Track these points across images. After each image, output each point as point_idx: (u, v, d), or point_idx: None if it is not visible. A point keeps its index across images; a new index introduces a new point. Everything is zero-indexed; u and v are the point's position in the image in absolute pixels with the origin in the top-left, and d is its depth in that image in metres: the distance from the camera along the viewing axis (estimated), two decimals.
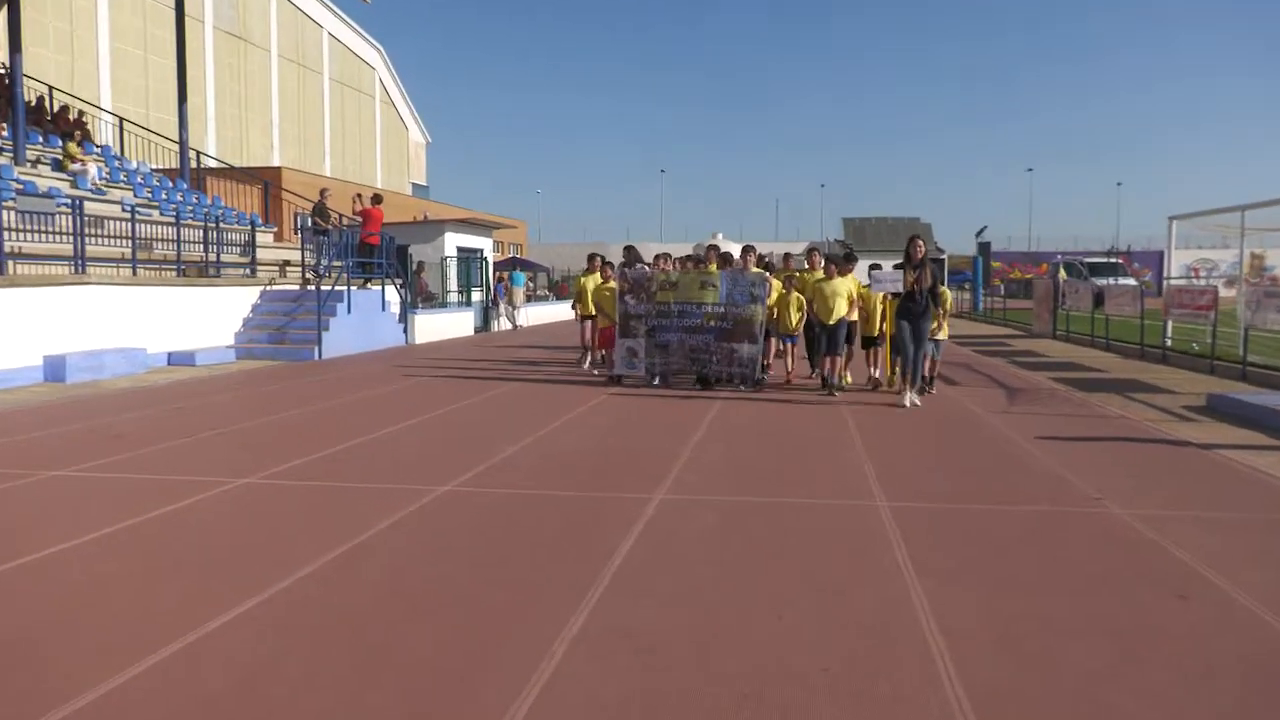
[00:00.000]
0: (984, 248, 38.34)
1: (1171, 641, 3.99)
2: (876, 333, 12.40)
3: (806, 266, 13.54)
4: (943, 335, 11.77)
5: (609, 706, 3.35)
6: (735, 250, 13.71)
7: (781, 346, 13.39)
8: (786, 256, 17.71)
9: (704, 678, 3.57)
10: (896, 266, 11.06)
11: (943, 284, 11.51)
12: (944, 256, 37.53)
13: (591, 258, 15.15)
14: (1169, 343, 16.55)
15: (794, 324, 12.77)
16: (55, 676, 3.61)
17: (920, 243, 10.82)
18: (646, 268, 13.63)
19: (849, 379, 12.63)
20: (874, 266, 12.39)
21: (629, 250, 15.07)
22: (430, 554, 5.14)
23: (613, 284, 13.56)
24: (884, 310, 12.10)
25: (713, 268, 12.65)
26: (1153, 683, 3.59)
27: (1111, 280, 33.85)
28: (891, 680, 3.57)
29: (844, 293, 11.79)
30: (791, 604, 4.32)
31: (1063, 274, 40.01)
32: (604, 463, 7.59)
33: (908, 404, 10.54)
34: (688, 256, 14.68)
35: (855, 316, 12.10)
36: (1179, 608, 4.37)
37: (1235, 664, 3.78)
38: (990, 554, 5.15)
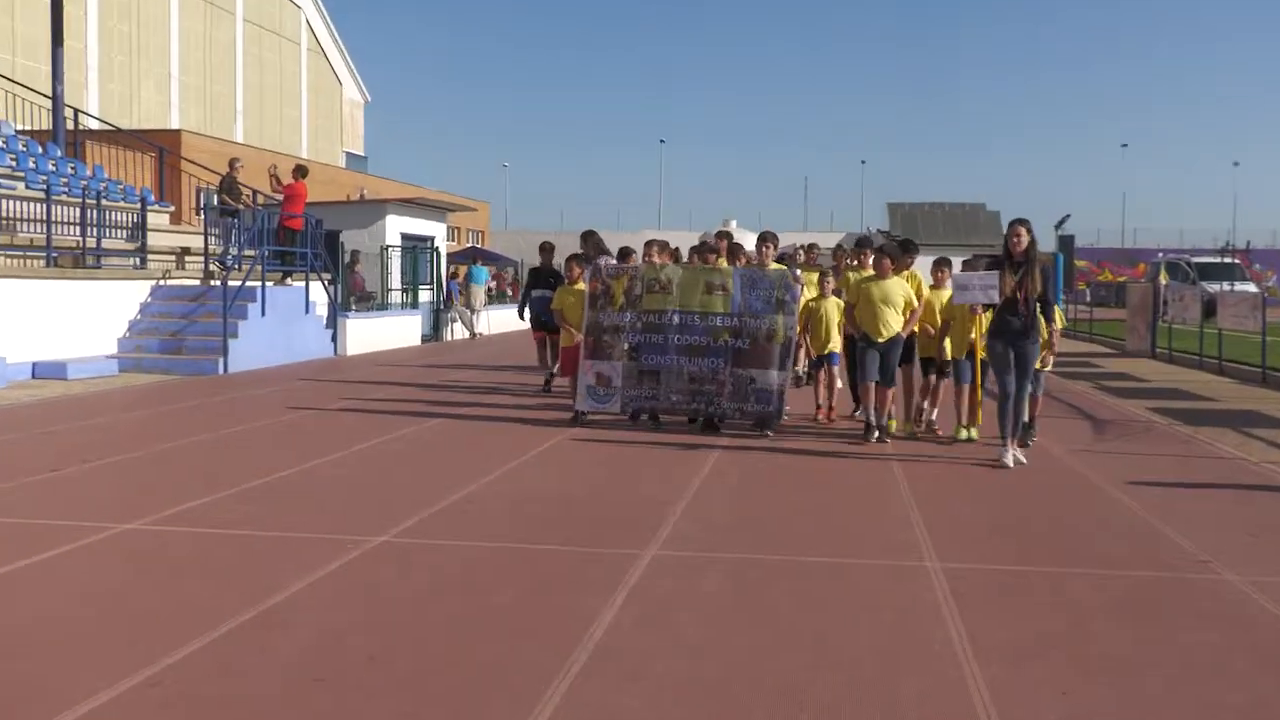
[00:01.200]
0: (1066, 242, 38.45)
1: None
2: (947, 355, 11.00)
3: (852, 264, 12.70)
4: (1048, 365, 10.75)
5: None
6: (750, 243, 13.13)
7: (812, 372, 12.66)
8: (810, 248, 16.39)
9: None
10: (991, 266, 9.80)
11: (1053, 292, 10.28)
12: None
13: (546, 249, 14.82)
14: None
15: (830, 339, 11.76)
16: None
17: (1024, 231, 9.47)
18: (608, 260, 12.66)
19: (894, 422, 11.34)
20: (966, 264, 11.41)
21: (588, 237, 14.31)
22: (360, 624, 5.11)
23: (580, 285, 12.28)
24: (962, 325, 10.53)
25: (723, 263, 11.81)
26: None
27: (1226, 285, 34.08)
28: None
29: (899, 297, 10.58)
30: (813, 694, 4.28)
31: (1164, 277, 40.23)
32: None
33: (1010, 462, 9.34)
34: (696, 248, 13.29)
35: (916, 328, 10.93)
36: None
37: None
38: (1069, 631, 5.13)
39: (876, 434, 10.64)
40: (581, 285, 12.19)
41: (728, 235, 12.95)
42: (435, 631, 5.01)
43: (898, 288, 10.66)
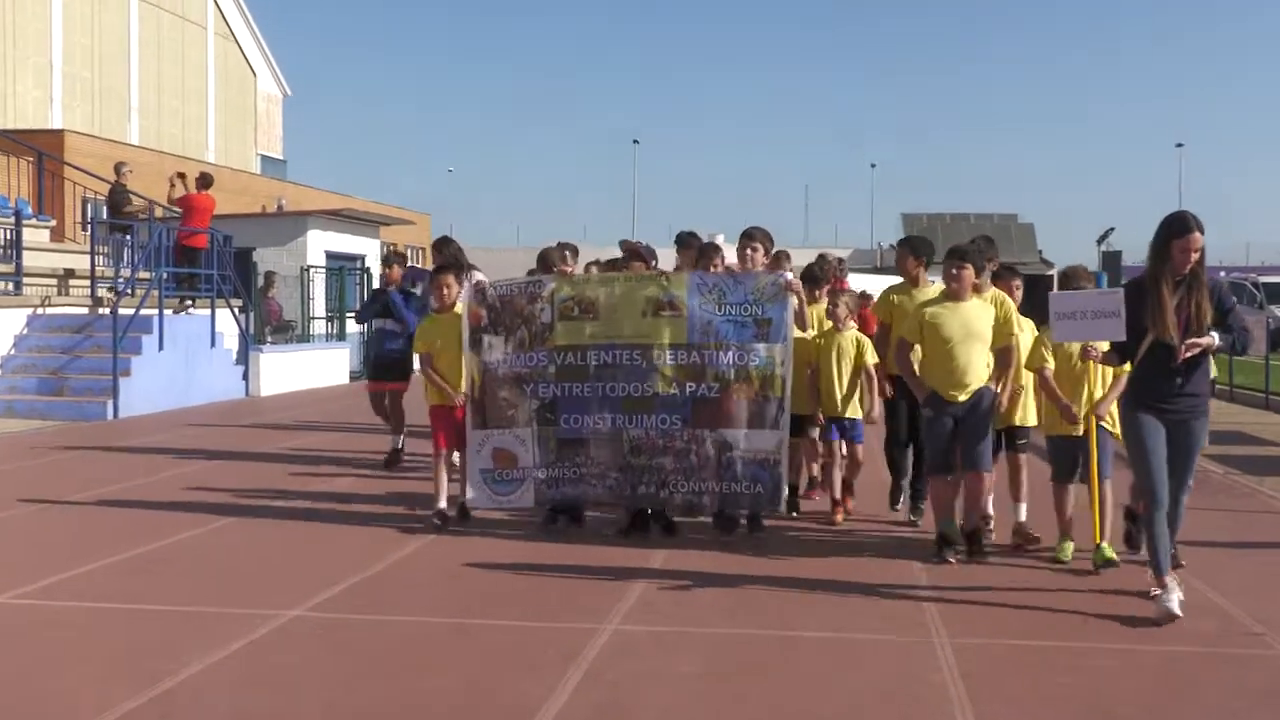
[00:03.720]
0: (1111, 259, 38.89)
1: None
2: (1033, 421, 8.69)
3: (905, 283, 9.53)
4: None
5: None
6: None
7: (819, 447, 9.97)
8: (779, 258, 10.82)
9: None
10: (1133, 284, 7.22)
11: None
12: (1052, 271, 38.43)
13: (441, 272, 9.90)
14: None
15: (844, 396, 9.38)
16: None
17: (1201, 238, 6.67)
18: (497, 280, 9.66)
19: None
20: (1065, 277, 8.87)
21: (441, 245, 12.06)
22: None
23: (455, 311, 9.40)
24: (1070, 379, 7.92)
25: (678, 276, 9.12)
26: None
27: None
28: None
29: (987, 328, 8.09)
30: None
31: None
32: None
33: (1177, 607, 6.45)
34: (618, 259, 10.61)
35: (1021, 387, 8.51)
36: None
37: None
38: (1097, 715, 5.20)
39: (957, 550, 8.06)
40: (457, 312, 9.30)
41: (693, 236, 10.38)
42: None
43: (983, 315, 8.13)
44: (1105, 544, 7.73)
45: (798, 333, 9.10)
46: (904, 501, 9.64)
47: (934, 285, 8.88)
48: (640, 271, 9.45)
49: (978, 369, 7.98)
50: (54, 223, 24.47)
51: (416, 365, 11.22)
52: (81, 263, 21.74)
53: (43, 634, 6.43)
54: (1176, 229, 6.66)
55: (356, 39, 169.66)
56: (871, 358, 9.35)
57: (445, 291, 9.42)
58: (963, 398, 7.96)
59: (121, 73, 44.84)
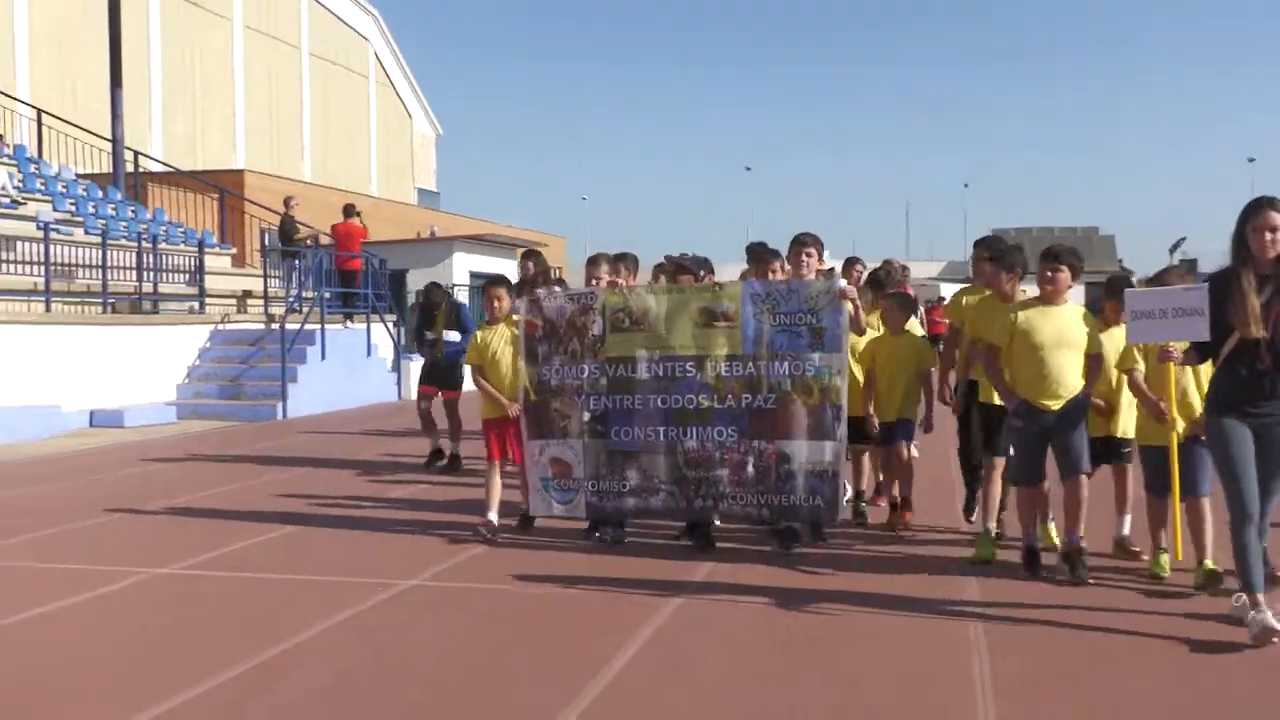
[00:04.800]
0: (1185, 265, 38.11)
1: None
2: (1121, 433, 7.51)
3: (979, 284, 8.49)
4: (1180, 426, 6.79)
5: None
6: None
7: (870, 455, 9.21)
8: (850, 264, 10.53)
9: None
10: (1216, 277, 6.11)
11: None
12: (1133, 278, 37.30)
13: (493, 285, 9.08)
14: None
15: (899, 403, 8.52)
16: None
17: (1268, 202, 5.72)
18: (552, 290, 9.12)
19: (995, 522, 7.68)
20: (1151, 281, 7.83)
21: (528, 258, 11.50)
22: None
23: (507, 325, 8.63)
24: (1156, 381, 6.85)
25: (731, 286, 8.09)
26: None
27: None
28: None
29: (1081, 336, 7.00)
30: None
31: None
32: None
33: (1273, 622, 5.46)
34: (661, 266, 9.99)
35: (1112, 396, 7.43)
36: None
37: None
38: None
39: (1053, 570, 6.95)
40: (510, 326, 8.53)
41: (761, 248, 9.57)
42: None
43: (1077, 321, 7.02)
44: (1208, 560, 6.55)
45: (856, 337, 8.49)
46: (979, 516, 8.04)
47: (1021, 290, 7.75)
48: (691, 284, 8.41)
49: (1070, 377, 6.87)
50: (234, 250, 25.20)
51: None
52: (257, 284, 22.52)
53: (194, 598, 6.89)
54: (1250, 210, 5.71)
55: (500, 84, 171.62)
56: (930, 362, 8.59)
57: (496, 304, 8.65)
58: (1055, 407, 6.82)
59: (295, 118, 45.90)
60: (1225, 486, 5.83)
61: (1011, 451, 7.30)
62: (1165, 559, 6.86)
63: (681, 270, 8.87)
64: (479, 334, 8.80)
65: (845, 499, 8.34)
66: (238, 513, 9.42)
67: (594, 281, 8.60)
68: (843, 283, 8.10)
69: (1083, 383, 6.96)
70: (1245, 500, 5.64)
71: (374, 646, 5.70)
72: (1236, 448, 5.68)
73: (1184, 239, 35.08)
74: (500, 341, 8.51)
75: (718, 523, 8.06)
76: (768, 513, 7.73)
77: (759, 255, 9.10)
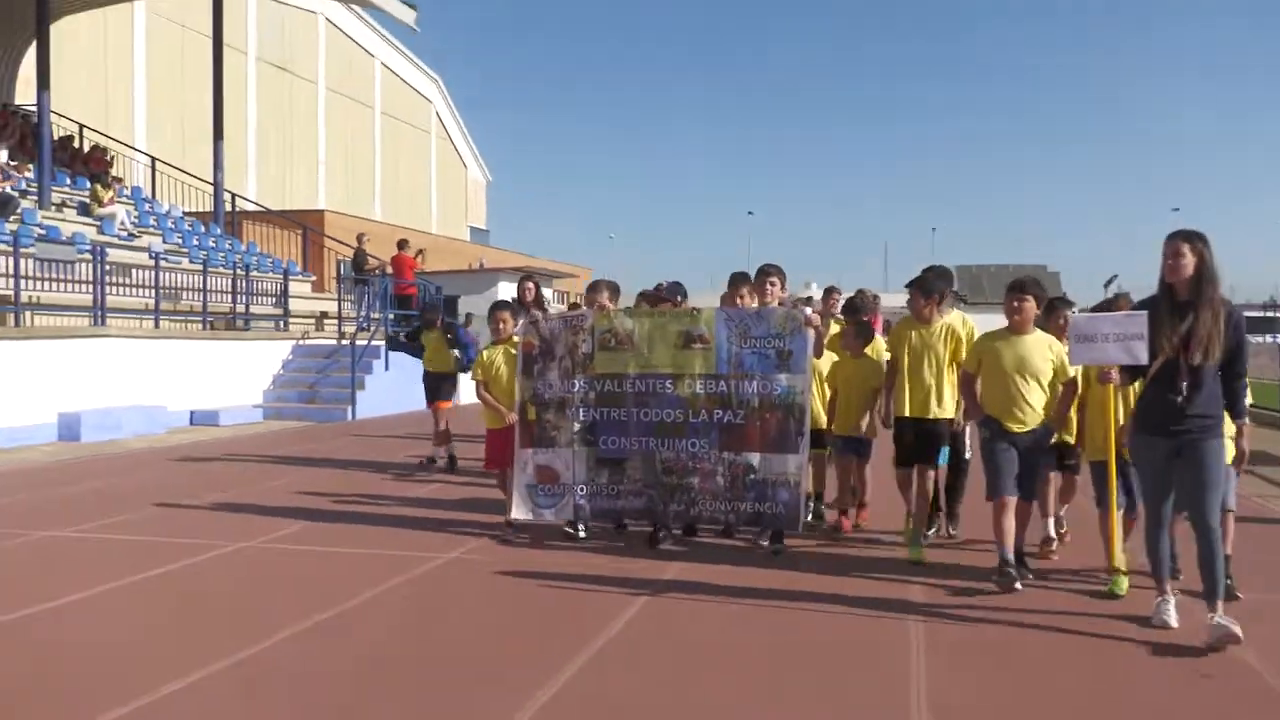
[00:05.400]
0: (1116, 300, 37.94)
1: None
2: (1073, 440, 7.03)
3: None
4: (1244, 448, 5.86)
5: None
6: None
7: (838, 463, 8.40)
8: (829, 293, 10.73)
9: None
10: (1142, 305, 5.71)
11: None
12: (1073, 310, 36.72)
13: (499, 309, 8.50)
14: None
15: (856, 420, 7.92)
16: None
17: (1187, 249, 5.32)
18: (547, 313, 9.00)
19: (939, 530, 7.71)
20: (1098, 308, 7.28)
21: (527, 280, 11.10)
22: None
23: (509, 345, 8.23)
24: (1095, 405, 6.55)
25: (706, 311, 7.74)
26: None
27: (1271, 338, 33.22)
28: None
29: (1047, 363, 6.46)
30: None
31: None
32: None
33: (1171, 619, 5.47)
34: (645, 294, 9.47)
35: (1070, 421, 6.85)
36: None
37: None
38: None
39: (1016, 575, 6.24)
40: (512, 346, 8.18)
41: (746, 276, 8.70)
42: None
43: (1042, 349, 6.48)
44: (1122, 576, 6.16)
45: (827, 357, 8.21)
46: (940, 529, 7.89)
47: (942, 319, 7.27)
48: (670, 309, 8.16)
49: (1034, 402, 6.35)
50: (314, 278, 25.35)
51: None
52: (332, 307, 22.59)
53: (270, 567, 6.98)
54: (1165, 245, 5.38)
55: (542, 137, 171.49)
56: (882, 382, 7.77)
57: (502, 325, 8.30)
58: (1019, 430, 6.34)
59: (368, 166, 46.23)
60: (1143, 498, 5.68)
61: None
62: (1124, 581, 6.17)
63: (659, 299, 8.67)
64: (485, 352, 8.38)
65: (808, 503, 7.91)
66: (293, 501, 9.48)
67: (595, 305, 8.31)
68: (808, 311, 7.83)
69: (1044, 410, 6.42)
70: (1160, 513, 5.48)
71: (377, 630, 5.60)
72: (1155, 465, 5.45)
73: (1116, 275, 34.67)
74: (502, 359, 8.15)
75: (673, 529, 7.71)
76: (734, 518, 7.44)
77: (731, 282, 8.47)
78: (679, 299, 8.35)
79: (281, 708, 4.43)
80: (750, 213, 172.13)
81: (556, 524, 7.77)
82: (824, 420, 8.16)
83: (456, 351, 12.16)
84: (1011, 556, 6.32)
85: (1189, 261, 5.28)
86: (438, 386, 12.23)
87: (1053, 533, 7.27)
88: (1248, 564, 6.52)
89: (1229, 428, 5.58)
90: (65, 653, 5.13)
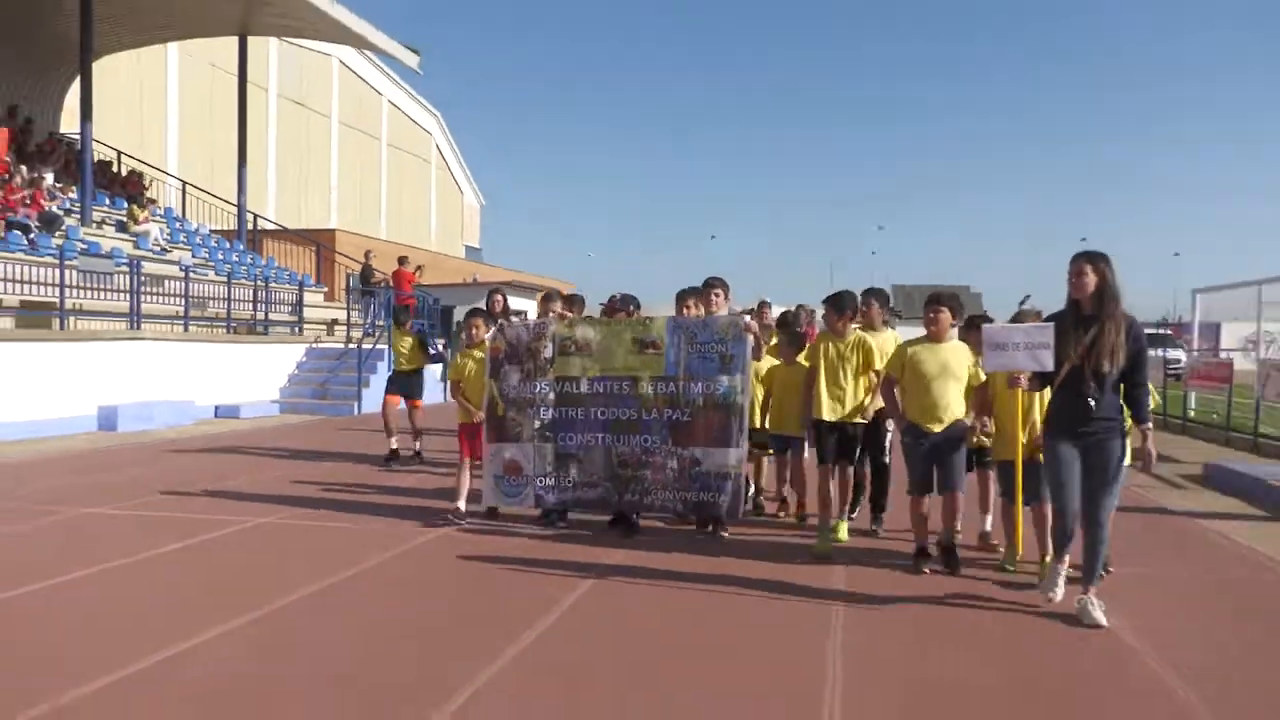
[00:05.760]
0: (1027, 315, 38.48)
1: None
2: (978, 443, 6.87)
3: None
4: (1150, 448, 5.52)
5: None
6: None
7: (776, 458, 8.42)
8: (761, 306, 10.53)
9: None
10: (1051, 319, 5.62)
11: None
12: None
13: (473, 316, 8.50)
14: (1191, 413, 16.77)
15: (790, 420, 7.61)
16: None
17: (1089, 268, 5.31)
18: (515, 320, 8.66)
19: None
20: (1018, 317, 6.75)
21: (496, 293, 10.74)
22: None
23: (479, 349, 8.07)
24: (1005, 408, 6.36)
25: (658, 320, 7.56)
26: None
27: (1162, 350, 33.67)
28: None
29: (964, 369, 6.36)
30: None
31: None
32: None
33: (1058, 593, 5.47)
34: (612, 300, 9.16)
35: (985, 422, 6.66)
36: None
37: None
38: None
39: (932, 562, 6.31)
40: (483, 350, 7.98)
41: (766, 304, 9.79)
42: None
43: (959, 355, 6.39)
44: (1049, 557, 5.82)
45: (766, 362, 8.08)
46: (858, 512, 7.78)
47: (856, 331, 7.06)
48: (624, 318, 7.99)
49: (952, 404, 6.25)
50: (326, 289, 25.40)
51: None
52: (341, 314, 22.66)
53: (284, 539, 7.15)
54: (1070, 265, 5.34)
55: (530, 167, 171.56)
56: None
57: (474, 331, 8.22)
58: (937, 429, 6.23)
59: (375, 191, 46.15)
60: (1050, 494, 5.51)
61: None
62: (1015, 557, 6.36)
63: (614, 310, 8.45)
64: (459, 356, 8.26)
65: (749, 494, 8.04)
66: (291, 489, 9.59)
67: (549, 314, 8.26)
68: (748, 319, 7.70)
69: (963, 410, 6.31)
70: (1066, 506, 5.31)
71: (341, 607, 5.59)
72: (1062, 465, 5.29)
73: (1029, 296, 34.98)
74: (473, 362, 8.03)
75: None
76: (682, 507, 7.27)
77: (679, 297, 8.22)
78: (631, 309, 8.28)
79: (287, 666, 4.59)
80: (713, 237, 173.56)
81: (524, 511, 7.69)
82: (758, 419, 8.00)
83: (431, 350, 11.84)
84: (927, 545, 6.32)
85: (1091, 279, 5.25)
86: (408, 384, 11.59)
87: (988, 528, 7.10)
88: (1124, 543, 6.81)
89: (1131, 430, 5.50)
90: (107, 609, 5.31)
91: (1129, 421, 5.43)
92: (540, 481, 7.51)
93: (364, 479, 10.03)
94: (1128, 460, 5.71)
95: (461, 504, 7.78)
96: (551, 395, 7.54)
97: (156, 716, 3.91)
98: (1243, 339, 52.34)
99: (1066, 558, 5.45)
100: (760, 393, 8.04)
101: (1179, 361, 22.71)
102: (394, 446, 11.17)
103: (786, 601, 5.62)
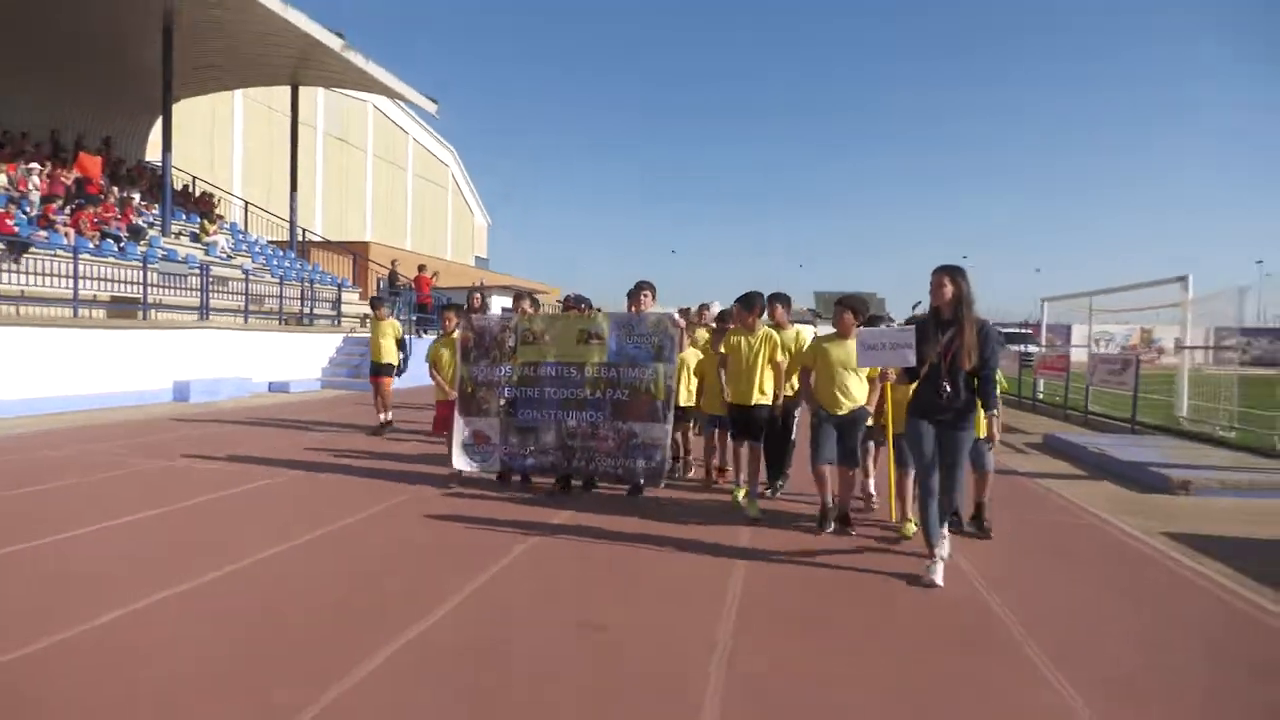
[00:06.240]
0: (916, 318, 38.78)
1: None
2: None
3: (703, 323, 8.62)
4: (995, 432, 5.36)
5: None
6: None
7: (697, 433, 8.30)
8: (703, 307, 9.51)
9: None
10: (910, 321, 5.81)
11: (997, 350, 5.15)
12: (892, 323, 37.05)
13: (446, 309, 8.56)
14: (1040, 395, 17.17)
15: (718, 402, 7.20)
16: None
17: (947, 280, 5.04)
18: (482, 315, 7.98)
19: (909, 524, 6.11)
20: (869, 319, 6.43)
21: (475, 291, 10.17)
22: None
23: (452, 337, 7.92)
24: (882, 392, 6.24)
25: (600, 315, 7.39)
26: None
27: (1022, 347, 34.27)
28: None
29: (854, 362, 5.87)
30: None
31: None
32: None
33: (938, 578, 4.93)
34: (568, 299, 8.72)
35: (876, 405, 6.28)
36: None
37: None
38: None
39: (832, 525, 6.07)
40: (454, 337, 7.82)
41: (706, 306, 9.10)
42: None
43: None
44: (909, 522, 5.95)
45: (693, 354, 7.93)
46: (771, 486, 7.36)
47: (764, 328, 6.71)
48: (575, 314, 7.62)
49: (853, 390, 6.00)
50: (360, 290, 25.29)
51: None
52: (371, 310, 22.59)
53: (316, 488, 7.21)
54: (932, 277, 5.05)
55: (533, 192, 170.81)
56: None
57: (447, 323, 8.19)
58: (840, 412, 5.99)
59: (401, 210, 45.87)
60: (915, 472, 5.26)
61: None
62: (910, 527, 5.94)
63: (570, 306, 8.31)
64: (435, 344, 8.06)
65: (677, 460, 7.85)
66: (330, 458, 9.44)
67: (517, 310, 7.82)
68: (675, 314, 7.47)
69: (864, 396, 6.05)
70: (928, 483, 5.01)
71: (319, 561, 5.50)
72: (923, 444, 5.03)
73: (920, 302, 35.05)
74: (447, 349, 7.84)
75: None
76: (621, 472, 7.10)
77: (630, 294, 7.91)
78: (584, 306, 7.98)
79: (292, 593, 4.65)
80: (674, 251, 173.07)
81: (489, 474, 7.52)
82: (689, 399, 7.84)
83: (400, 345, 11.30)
84: (830, 507, 6.05)
85: (949, 289, 4.96)
86: (386, 369, 11.15)
87: (872, 490, 6.94)
88: (998, 504, 6.67)
89: (981, 416, 5.27)
90: (164, 539, 5.45)
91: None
92: (503, 449, 7.34)
93: (371, 446, 9.71)
94: (982, 436, 5.56)
95: (456, 461, 7.51)
96: (514, 377, 7.35)
97: (195, 626, 4.02)
98: (1085, 337, 52.90)
99: (942, 547, 5.01)
100: (692, 379, 7.86)
101: (1030, 354, 23.21)
102: (385, 419, 10.89)
103: (697, 555, 5.38)
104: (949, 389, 4.92)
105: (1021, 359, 20.63)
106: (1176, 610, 4.61)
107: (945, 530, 5.05)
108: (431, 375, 7.98)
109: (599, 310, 7.69)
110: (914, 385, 5.16)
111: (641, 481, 7.08)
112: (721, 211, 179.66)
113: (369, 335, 11.09)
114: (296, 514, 6.22)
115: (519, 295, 8.09)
